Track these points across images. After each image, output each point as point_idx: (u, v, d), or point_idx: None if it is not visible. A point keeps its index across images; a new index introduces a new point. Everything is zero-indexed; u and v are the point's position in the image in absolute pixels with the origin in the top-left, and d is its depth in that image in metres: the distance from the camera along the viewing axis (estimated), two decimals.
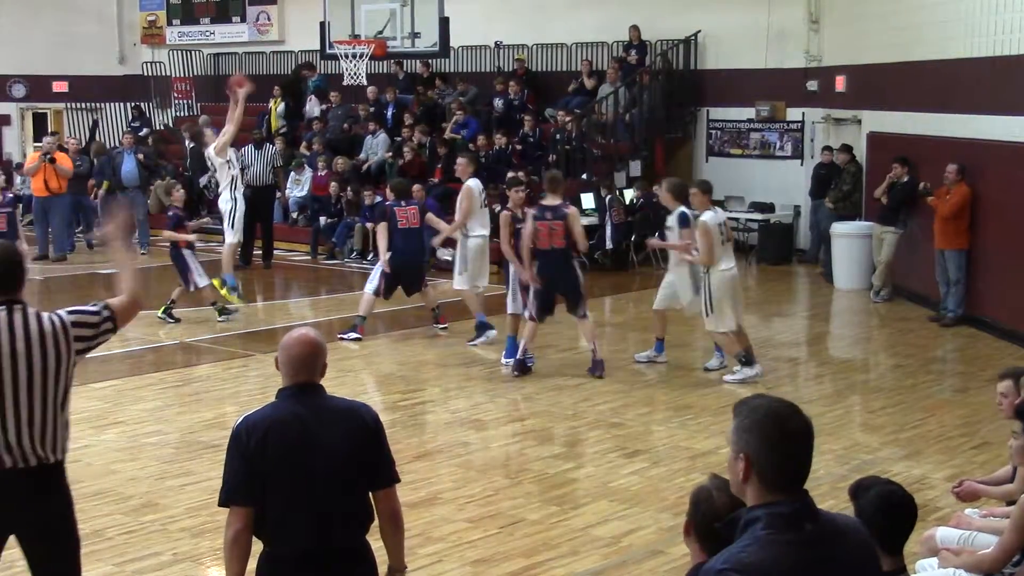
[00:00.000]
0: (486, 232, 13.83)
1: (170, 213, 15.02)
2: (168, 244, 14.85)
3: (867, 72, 17.87)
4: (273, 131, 23.08)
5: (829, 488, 8.32)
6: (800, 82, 19.86)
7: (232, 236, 15.26)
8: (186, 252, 14.45)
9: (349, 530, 4.47)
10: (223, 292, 14.63)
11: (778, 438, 3.11)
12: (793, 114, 20.27)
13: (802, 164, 20.00)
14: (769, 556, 3.03)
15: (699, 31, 20.73)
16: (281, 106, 23.51)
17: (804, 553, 3.06)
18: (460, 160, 14.12)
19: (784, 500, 3.10)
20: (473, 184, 13.65)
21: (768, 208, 19.86)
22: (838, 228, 17.18)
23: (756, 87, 20.39)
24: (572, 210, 12.03)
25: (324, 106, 23.42)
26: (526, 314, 11.94)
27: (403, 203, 13.73)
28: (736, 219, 20.23)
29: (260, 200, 18.59)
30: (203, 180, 21.80)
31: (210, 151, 15.17)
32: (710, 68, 20.98)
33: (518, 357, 11.86)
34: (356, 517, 4.50)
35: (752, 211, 19.94)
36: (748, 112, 20.65)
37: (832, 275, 17.30)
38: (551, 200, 11.88)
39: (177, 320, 14.43)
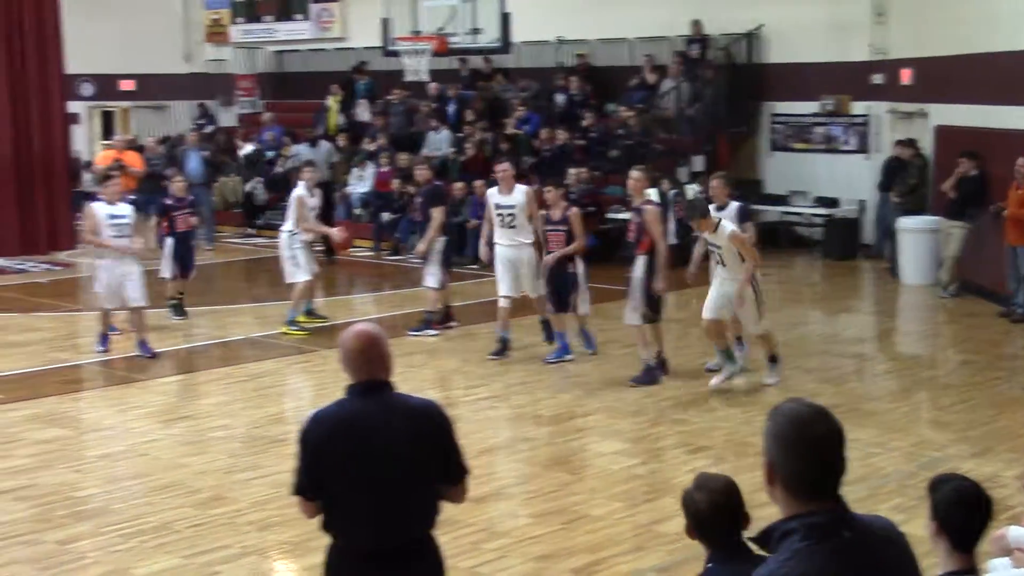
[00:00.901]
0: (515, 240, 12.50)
1: (168, 201, 14.65)
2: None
3: (934, 64, 17.64)
4: (331, 131, 23.23)
5: (897, 486, 8.24)
6: (865, 75, 19.65)
7: (301, 274, 13.74)
8: (168, 241, 14.33)
9: (415, 525, 4.49)
10: (285, 329, 13.78)
11: (798, 444, 3.01)
12: (858, 108, 20.05)
13: (867, 158, 19.79)
14: (812, 568, 2.94)
15: (762, 24, 20.57)
16: (337, 105, 23.66)
17: (846, 561, 2.97)
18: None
19: (818, 509, 3.00)
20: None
21: (832, 203, 19.68)
22: (905, 223, 16.99)
23: (820, 81, 20.19)
24: (574, 211, 12.39)
25: (373, 109, 23.56)
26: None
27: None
28: (800, 214, 20.12)
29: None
30: (250, 185, 22.05)
31: (295, 196, 13.85)
32: (773, 62, 20.80)
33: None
34: (422, 513, 4.51)
35: (816, 206, 19.76)
36: (812, 106, 20.45)
37: (898, 270, 17.10)
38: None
39: (185, 315, 14.46)
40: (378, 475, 4.37)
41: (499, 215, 12.38)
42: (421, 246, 13.63)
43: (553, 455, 9.29)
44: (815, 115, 20.50)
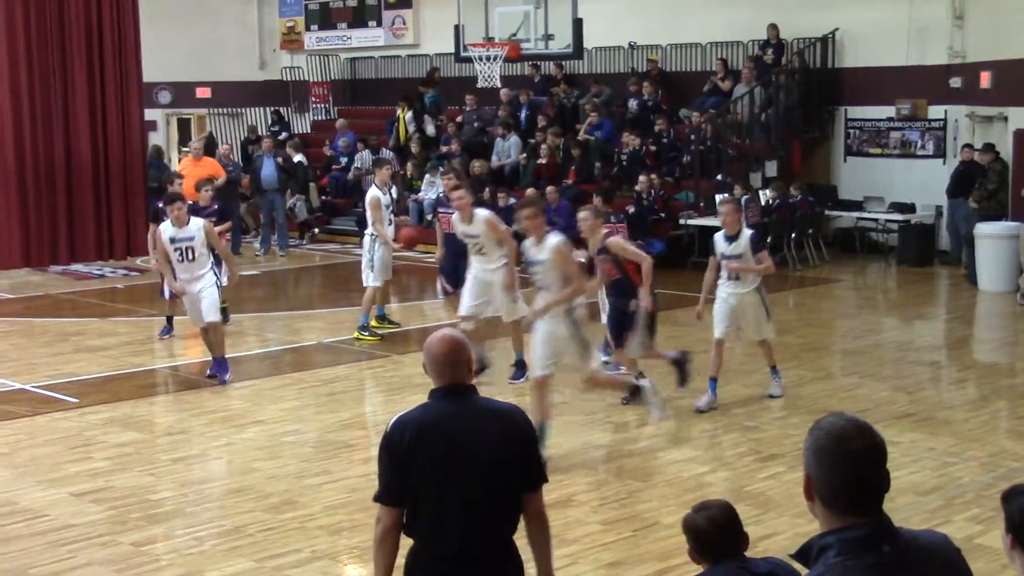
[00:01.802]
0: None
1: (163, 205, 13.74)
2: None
3: (1014, 68, 17.35)
4: (403, 141, 23.28)
5: (974, 496, 8.10)
6: (943, 79, 19.36)
7: (375, 279, 13.74)
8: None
9: (498, 531, 4.48)
10: (357, 335, 13.78)
11: (836, 459, 2.96)
12: (935, 112, 19.77)
13: (944, 163, 19.49)
14: None
15: (837, 28, 20.37)
16: (409, 114, 23.76)
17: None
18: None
19: (856, 524, 2.94)
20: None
21: (909, 209, 19.42)
22: (983, 229, 16.73)
23: (896, 85, 19.94)
24: (613, 240, 11.06)
25: (437, 121, 23.64)
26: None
27: (612, 219, 12.98)
28: (875, 220, 19.89)
29: None
30: (291, 202, 22.17)
31: (370, 198, 13.85)
32: (848, 66, 20.58)
33: None
34: (506, 518, 4.50)
35: (892, 212, 19.50)
36: (888, 111, 20.20)
37: (976, 277, 16.84)
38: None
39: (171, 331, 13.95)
40: (466, 478, 4.37)
41: (466, 243, 11.69)
42: None
43: (624, 462, 9.25)
44: (891, 119, 20.25)
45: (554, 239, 9.30)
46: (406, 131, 23.59)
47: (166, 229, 11.68)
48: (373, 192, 13.82)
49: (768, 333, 10.98)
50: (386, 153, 19.83)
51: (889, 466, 3.06)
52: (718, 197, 10.77)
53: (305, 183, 23.13)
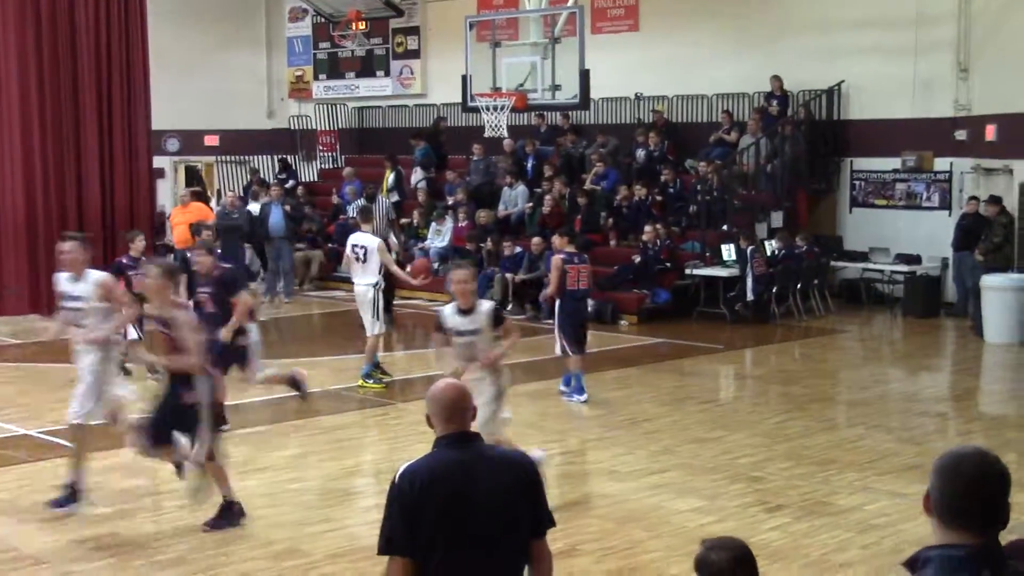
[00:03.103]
0: None
1: (124, 260, 13.99)
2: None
3: (1019, 121, 17.41)
4: (384, 193, 23.15)
5: None
6: (948, 131, 19.43)
7: (378, 327, 13.93)
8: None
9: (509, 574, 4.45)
10: (362, 383, 13.88)
11: (952, 475, 3.09)
12: (941, 164, 19.83)
13: (950, 215, 19.51)
14: None
15: (843, 81, 20.47)
16: (392, 176, 23.66)
17: None
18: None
19: (961, 544, 3.01)
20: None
21: (915, 260, 19.42)
22: (988, 281, 16.73)
23: (902, 137, 20.01)
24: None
25: (427, 175, 23.68)
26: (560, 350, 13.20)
27: (575, 259, 13.26)
28: (880, 271, 19.89)
29: None
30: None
31: (374, 247, 13.89)
32: (854, 118, 20.67)
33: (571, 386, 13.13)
34: (517, 565, 4.47)
35: (898, 263, 19.51)
36: (894, 162, 20.25)
37: (982, 328, 16.81)
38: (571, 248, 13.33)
39: (129, 373, 12.94)
40: (478, 527, 4.32)
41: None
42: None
43: (629, 511, 9.20)
44: (896, 171, 20.30)
45: (488, 305, 9.17)
46: (387, 191, 23.27)
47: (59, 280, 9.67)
48: (374, 240, 13.88)
49: (501, 429, 8.88)
50: (381, 202, 19.88)
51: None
52: (455, 272, 9.24)
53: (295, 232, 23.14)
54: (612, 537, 8.53)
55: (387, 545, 4.33)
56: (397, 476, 4.36)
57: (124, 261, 14.06)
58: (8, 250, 18.73)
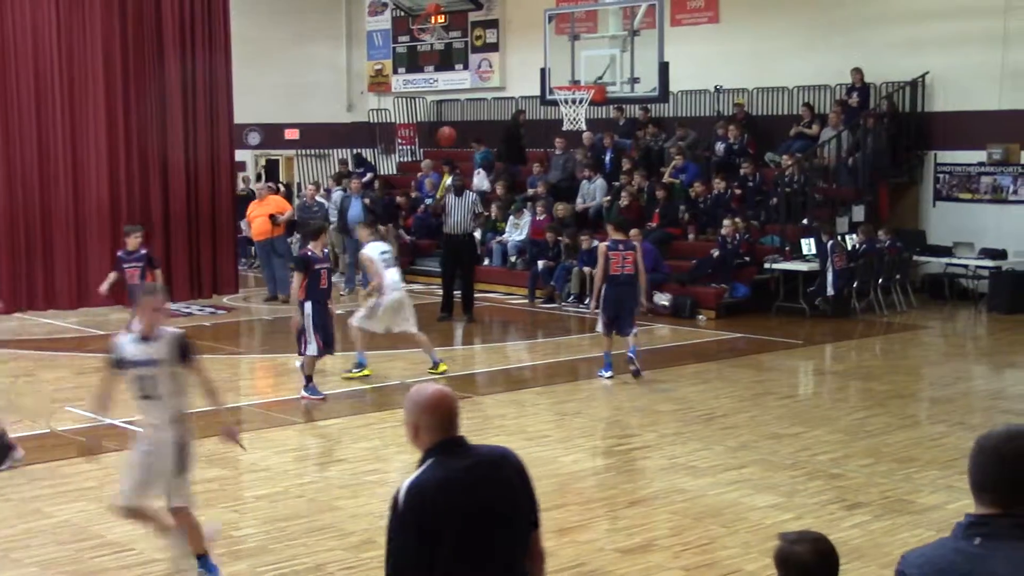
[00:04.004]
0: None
1: (120, 254, 14.67)
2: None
3: None
4: (436, 201, 23.04)
5: None
6: None
7: (370, 324, 14.03)
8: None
9: (523, 573, 4.39)
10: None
11: (976, 451, 3.21)
12: None
13: None
14: (938, 558, 3.16)
15: (927, 72, 20.16)
16: (449, 179, 23.27)
17: (974, 563, 3.11)
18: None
19: (985, 514, 3.17)
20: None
21: (1000, 255, 19.09)
22: None
23: (988, 129, 19.67)
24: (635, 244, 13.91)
25: (491, 177, 23.58)
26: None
27: (620, 247, 13.75)
28: (964, 266, 19.57)
29: (460, 249, 18.45)
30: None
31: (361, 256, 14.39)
32: (938, 110, 20.36)
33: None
34: (521, 561, 4.39)
35: (983, 257, 19.19)
36: (979, 155, 19.92)
37: None
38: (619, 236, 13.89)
39: None
40: (490, 530, 4.23)
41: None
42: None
43: (706, 507, 9.16)
44: (982, 164, 19.96)
45: (173, 331, 7.30)
46: (442, 194, 22.67)
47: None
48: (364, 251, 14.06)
49: (184, 498, 7.42)
50: (468, 196, 19.72)
51: None
52: (144, 298, 7.36)
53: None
54: (689, 533, 8.50)
55: (398, 570, 4.17)
56: (402, 496, 4.17)
57: (119, 254, 14.58)
58: (93, 241, 19.04)
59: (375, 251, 14.00)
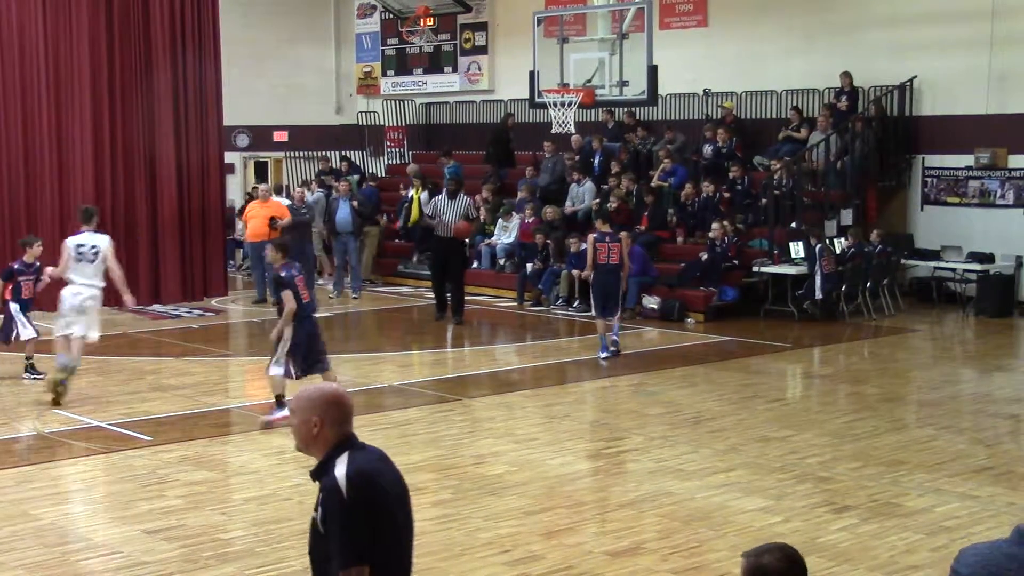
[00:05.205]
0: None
1: (16, 266, 13.99)
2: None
3: None
4: (412, 222, 22.77)
5: None
6: (1023, 128, 19.11)
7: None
8: (12, 306, 13.69)
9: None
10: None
11: None
12: (1015, 161, 19.51)
13: None
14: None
15: (915, 76, 20.21)
16: (424, 194, 22.64)
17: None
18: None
19: None
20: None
21: (988, 258, 19.14)
22: None
23: (976, 133, 19.72)
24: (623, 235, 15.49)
25: (451, 187, 23.22)
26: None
27: (607, 239, 15.05)
28: (952, 269, 19.62)
29: (450, 252, 18.36)
30: None
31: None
32: (926, 114, 20.40)
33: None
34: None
35: (971, 261, 19.24)
36: (967, 159, 19.97)
37: None
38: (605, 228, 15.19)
39: (42, 374, 13.56)
40: (409, 514, 4.47)
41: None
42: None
43: (694, 510, 9.16)
44: (969, 168, 20.01)
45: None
46: (419, 212, 22.18)
47: None
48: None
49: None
50: (461, 199, 19.58)
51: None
52: None
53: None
54: (677, 536, 8.50)
55: (359, 557, 4.19)
56: (346, 483, 4.21)
57: (16, 266, 13.96)
58: None
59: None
